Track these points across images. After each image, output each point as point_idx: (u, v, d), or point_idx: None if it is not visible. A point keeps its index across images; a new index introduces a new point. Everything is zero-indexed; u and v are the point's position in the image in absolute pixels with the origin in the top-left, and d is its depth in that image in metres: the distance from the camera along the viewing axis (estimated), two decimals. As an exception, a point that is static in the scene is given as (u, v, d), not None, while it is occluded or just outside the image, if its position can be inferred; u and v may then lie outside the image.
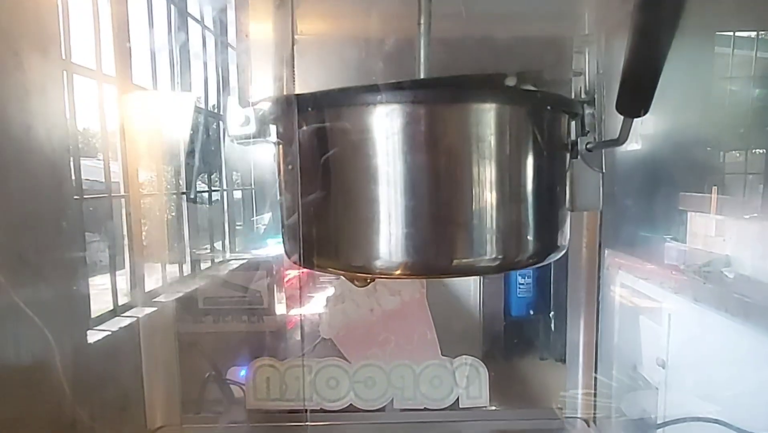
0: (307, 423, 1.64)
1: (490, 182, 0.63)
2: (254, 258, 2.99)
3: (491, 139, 0.62)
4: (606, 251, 2.57)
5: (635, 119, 0.64)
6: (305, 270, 2.83)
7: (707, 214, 2.78)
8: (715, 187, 3.03)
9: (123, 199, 2.07)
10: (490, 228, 0.64)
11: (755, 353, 2.08)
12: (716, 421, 1.70)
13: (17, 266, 1.35)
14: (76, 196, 1.77)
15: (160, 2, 2.36)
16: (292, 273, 2.45)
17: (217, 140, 2.91)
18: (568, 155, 0.71)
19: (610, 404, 2.01)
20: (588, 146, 0.71)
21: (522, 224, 0.66)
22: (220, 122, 2.75)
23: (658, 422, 2.36)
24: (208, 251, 2.94)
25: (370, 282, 0.74)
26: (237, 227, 3.20)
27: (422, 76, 0.73)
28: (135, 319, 1.99)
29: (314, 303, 2.13)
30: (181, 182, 2.56)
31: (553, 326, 3.79)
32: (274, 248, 2.77)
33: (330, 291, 1.77)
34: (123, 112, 2.03)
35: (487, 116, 0.62)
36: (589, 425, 1.80)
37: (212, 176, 3.01)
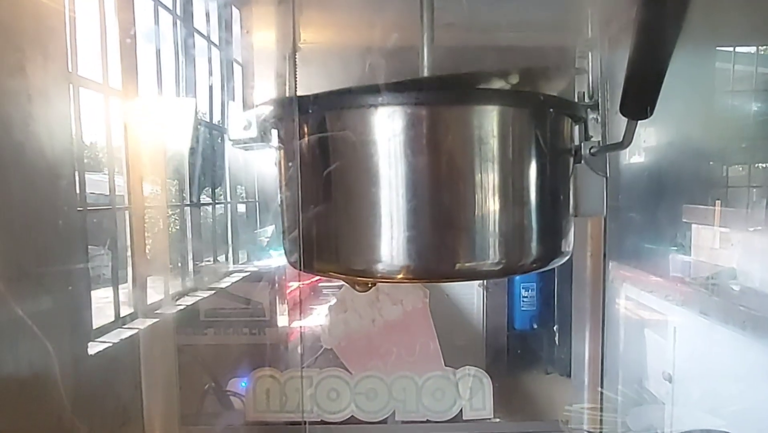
0: (306, 435, 1.62)
1: (492, 185, 0.62)
2: (257, 270, 2.98)
3: (494, 142, 0.61)
4: (610, 264, 2.57)
5: (639, 125, 0.64)
6: (307, 282, 2.83)
7: (711, 227, 2.77)
8: (719, 201, 3.03)
9: (126, 212, 2.07)
10: (493, 232, 0.63)
11: (763, 366, 2.06)
12: (724, 435, 1.68)
13: (18, 276, 1.35)
14: (79, 208, 1.77)
15: (165, 17, 2.38)
16: (295, 285, 2.44)
17: (221, 154, 2.92)
18: (571, 159, 0.70)
19: (616, 418, 1.99)
20: (592, 151, 0.70)
21: (525, 228, 0.65)
22: (225, 136, 2.76)
23: (665, 437, 2.34)
24: (211, 263, 2.94)
25: (371, 287, 0.73)
26: (241, 240, 3.20)
27: (425, 69, 0.72)
28: (136, 331, 1.98)
29: (316, 315, 2.12)
30: (185, 195, 2.56)
31: (557, 339, 3.76)
32: (276, 259, 2.76)
33: (332, 303, 1.76)
34: (128, 124, 2.03)
35: (489, 118, 0.62)
36: (595, 440, 1.77)
37: (216, 190, 3.01)
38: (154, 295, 2.22)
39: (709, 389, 2.35)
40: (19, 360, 1.32)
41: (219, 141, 2.79)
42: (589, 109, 0.73)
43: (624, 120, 0.65)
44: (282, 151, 0.71)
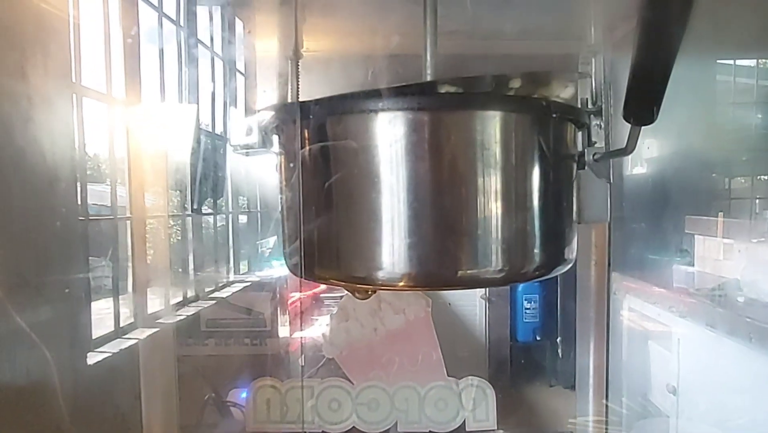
0: (306, 447, 1.60)
1: (495, 191, 0.62)
2: (258, 280, 2.97)
3: (496, 147, 0.61)
4: (613, 275, 2.55)
5: (641, 136, 0.63)
6: (309, 293, 2.82)
7: (715, 238, 2.75)
8: (722, 213, 3.02)
9: (128, 222, 2.06)
10: (495, 238, 0.62)
11: (768, 378, 2.04)
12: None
13: (17, 283, 1.34)
14: (81, 217, 1.76)
15: (168, 26, 2.39)
16: (297, 295, 2.43)
17: (223, 164, 2.92)
18: (574, 165, 0.70)
19: (621, 431, 1.96)
20: (595, 157, 0.70)
21: (528, 235, 0.65)
22: (227, 145, 2.76)
23: (670, 450, 2.31)
24: (213, 273, 2.93)
25: (370, 294, 0.72)
26: (242, 251, 3.19)
27: (428, 77, 0.72)
28: (135, 341, 1.97)
29: (318, 326, 2.10)
30: (186, 206, 2.56)
31: (560, 351, 3.73)
32: (278, 270, 2.75)
33: (334, 312, 1.75)
34: (130, 133, 2.03)
35: (492, 123, 0.61)
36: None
37: (218, 200, 3.01)
38: (154, 305, 2.21)
39: (714, 401, 2.33)
40: (17, 369, 1.31)
41: (221, 151, 2.79)
42: (592, 116, 0.72)
43: (627, 126, 0.64)
44: (283, 156, 0.70)
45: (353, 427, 1.61)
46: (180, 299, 2.44)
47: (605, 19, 0.73)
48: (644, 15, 0.48)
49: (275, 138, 0.72)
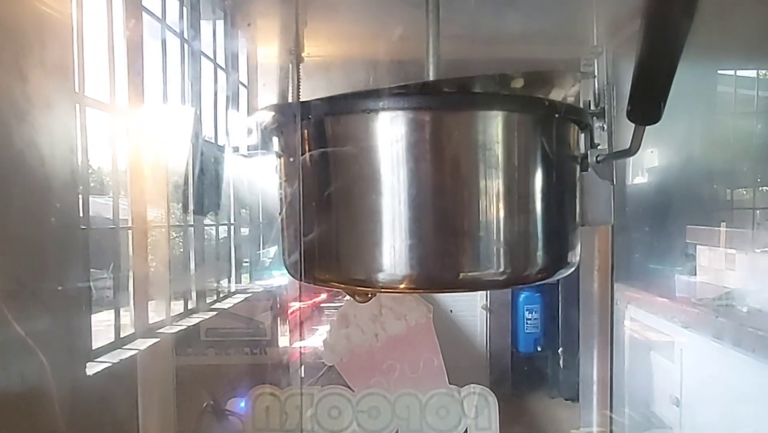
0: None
1: (497, 192, 0.61)
2: (259, 291, 2.96)
3: (498, 148, 0.60)
4: (615, 285, 2.54)
5: (643, 147, 0.62)
6: (309, 302, 2.81)
7: (717, 248, 2.74)
8: (724, 222, 3.01)
9: (129, 232, 2.06)
10: (497, 240, 0.62)
11: (773, 389, 2.02)
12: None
13: (16, 291, 1.33)
14: (83, 227, 1.76)
15: (173, 39, 2.40)
16: (297, 305, 2.42)
17: (224, 173, 2.91)
18: (577, 167, 0.69)
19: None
20: (598, 158, 0.69)
21: (530, 237, 0.64)
22: (229, 155, 2.75)
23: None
24: (214, 283, 2.92)
25: (371, 297, 0.71)
26: (244, 261, 3.19)
27: (431, 76, 0.71)
28: (135, 351, 1.95)
29: (318, 336, 2.09)
30: (188, 218, 2.55)
31: (561, 362, 3.70)
32: (278, 280, 2.74)
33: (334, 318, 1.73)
34: (132, 143, 2.03)
35: (494, 123, 0.61)
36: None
37: (218, 211, 3.00)
38: (155, 316, 2.19)
39: (717, 413, 2.31)
40: (14, 378, 1.30)
41: (221, 155, 2.78)
42: (595, 118, 0.72)
43: (629, 130, 0.64)
44: (283, 157, 0.70)
45: (353, 435, 1.59)
46: (181, 309, 2.43)
47: (608, 20, 0.73)
48: (650, 7, 0.47)
49: (275, 140, 0.71)
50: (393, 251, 0.61)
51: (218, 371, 2.15)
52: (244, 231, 3.28)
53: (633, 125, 0.62)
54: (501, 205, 0.62)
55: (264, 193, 2.95)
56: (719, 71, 3.81)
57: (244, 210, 3.24)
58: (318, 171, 0.63)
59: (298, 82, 0.77)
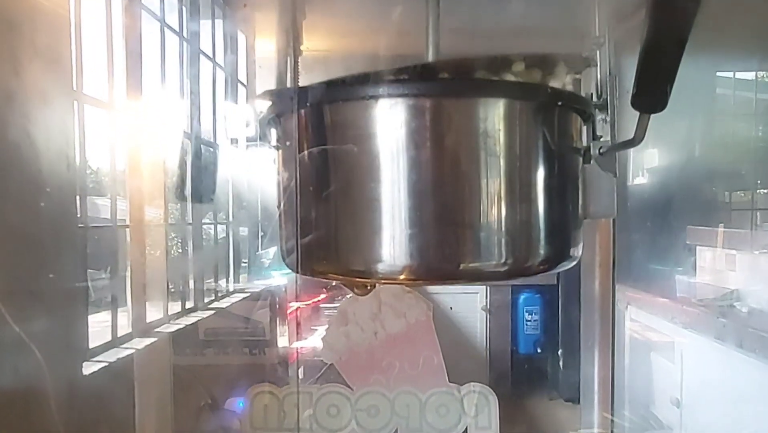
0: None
1: (498, 181, 0.60)
2: (258, 290, 2.95)
3: (500, 135, 0.59)
4: (615, 285, 2.53)
5: (642, 149, 0.61)
6: (308, 302, 2.80)
7: (717, 248, 2.74)
8: (722, 224, 3.01)
9: (127, 230, 2.05)
10: (498, 230, 0.60)
11: (774, 389, 2.01)
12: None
13: (11, 289, 1.32)
14: (80, 225, 1.75)
15: (172, 38, 2.39)
16: (296, 305, 2.41)
17: (215, 162, 2.90)
18: (580, 159, 0.68)
19: (624, 444, 1.93)
20: (601, 150, 0.68)
21: (532, 228, 0.63)
22: (225, 152, 2.74)
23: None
24: (212, 282, 2.91)
25: (370, 289, 0.70)
26: (243, 263, 3.18)
27: (430, 59, 0.70)
28: (132, 351, 1.94)
29: (317, 336, 2.08)
30: (186, 218, 2.54)
31: (561, 364, 3.69)
32: (277, 280, 2.73)
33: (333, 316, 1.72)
34: (129, 141, 2.02)
35: (495, 110, 0.60)
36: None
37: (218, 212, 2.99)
38: (152, 315, 2.18)
39: (718, 414, 2.30)
40: (9, 377, 1.29)
41: (217, 149, 2.76)
42: (597, 109, 0.71)
43: (632, 123, 0.63)
44: (281, 149, 0.69)
45: (352, 434, 1.57)
46: (178, 309, 2.42)
47: (611, 10, 0.72)
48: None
49: (273, 132, 0.70)
50: (392, 241, 0.59)
51: (217, 370, 2.14)
52: (243, 231, 3.27)
53: (635, 119, 0.61)
54: (502, 194, 0.60)
55: (263, 194, 2.94)
56: (718, 73, 3.82)
57: (242, 210, 3.24)
58: (316, 160, 0.62)
59: (297, 75, 0.76)
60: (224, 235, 3.05)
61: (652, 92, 0.54)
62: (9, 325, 1.25)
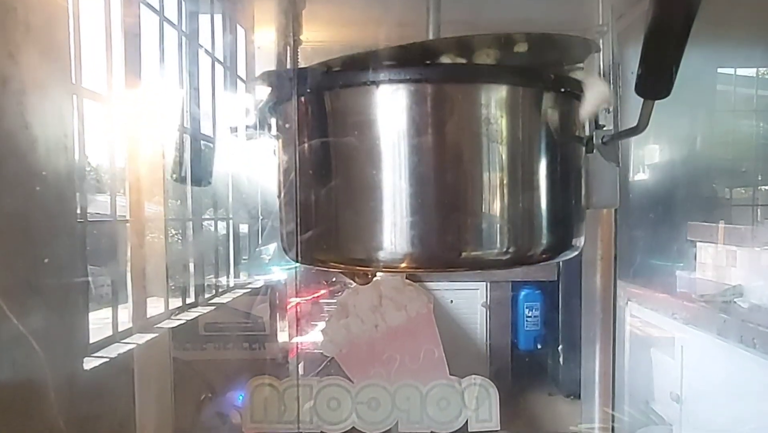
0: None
1: (500, 169, 0.59)
2: (258, 286, 2.95)
3: (502, 122, 0.58)
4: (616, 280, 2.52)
5: (642, 145, 0.61)
6: (309, 298, 2.79)
7: (717, 244, 2.74)
8: (722, 220, 3.01)
9: (127, 225, 2.04)
10: (500, 218, 0.60)
11: (775, 384, 2.01)
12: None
13: (12, 284, 1.32)
14: (80, 220, 1.74)
15: (171, 34, 2.38)
16: (296, 300, 2.40)
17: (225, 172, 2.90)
18: (583, 147, 0.67)
19: (623, 440, 1.93)
20: (604, 139, 0.67)
21: (534, 216, 0.62)
22: (225, 146, 2.74)
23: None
24: (213, 278, 2.91)
25: (371, 278, 0.69)
26: (243, 257, 3.18)
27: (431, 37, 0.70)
28: (133, 346, 1.94)
29: (318, 331, 2.07)
30: (187, 213, 2.54)
31: (561, 359, 3.69)
32: (278, 275, 2.73)
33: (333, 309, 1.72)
34: (129, 135, 2.02)
35: (498, 96, 0.59)
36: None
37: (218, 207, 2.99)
38: (153, 310, 2.18)
39: (718, 409, 2.30)
40: (10, 372, 1.29)
41: (214, 134, 2.75)
42: (600, 98, 0.70)
43: (635, 112, 0.62)
44: (281, 139, 0.68)
45: (353, 427, 1.56)
46: (178, 304, 2.42)
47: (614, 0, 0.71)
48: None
49: (273, 121, 0.70)
50: (394, 228, 0.59)
51: (217, 365, 2.13)
52: (243, 227, 3.27)
53: (638, 110, 0.60)
54: (505, 181, 0.60)
55: (263, 189, 2.94)
56: (719, 70, 3.82)
57: (242, 205, 3.23)
58: (316, 147, 0.62)
59: (296, 66, 0.76)
60: (224, 230, 3.05)
61: (657, 77, 0.53)
62: (9, 320, 1.25)
